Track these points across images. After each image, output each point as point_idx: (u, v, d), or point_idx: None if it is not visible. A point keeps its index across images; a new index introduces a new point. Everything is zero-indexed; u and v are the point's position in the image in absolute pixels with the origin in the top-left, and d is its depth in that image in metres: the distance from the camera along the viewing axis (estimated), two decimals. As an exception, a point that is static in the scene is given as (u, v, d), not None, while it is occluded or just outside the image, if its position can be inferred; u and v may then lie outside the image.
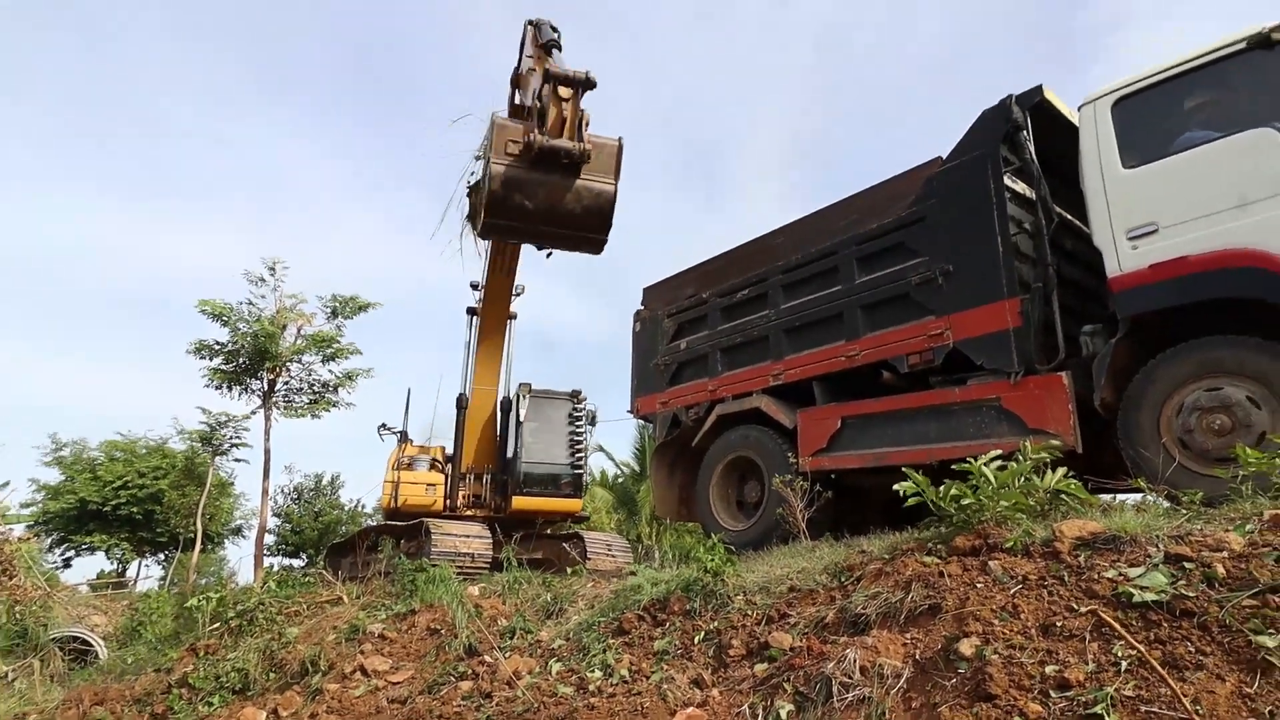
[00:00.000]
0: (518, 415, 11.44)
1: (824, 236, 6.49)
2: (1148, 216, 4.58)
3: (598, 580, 6.68)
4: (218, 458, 19.99)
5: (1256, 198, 4.18)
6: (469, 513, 11.15)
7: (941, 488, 3.94)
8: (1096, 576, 3.00)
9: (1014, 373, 4.95)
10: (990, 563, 3.38)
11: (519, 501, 11.04)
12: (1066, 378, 4.73)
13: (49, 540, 22.11)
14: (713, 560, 4.53)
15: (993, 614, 3.05)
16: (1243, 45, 4.42)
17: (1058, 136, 5.38)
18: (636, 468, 24.03)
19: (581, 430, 11.71)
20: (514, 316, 11.58)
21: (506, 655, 5.06)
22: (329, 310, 16.57)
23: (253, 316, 15.70)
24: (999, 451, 4.06)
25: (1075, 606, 2.87)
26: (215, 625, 7.82)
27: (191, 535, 20.75)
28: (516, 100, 8.46)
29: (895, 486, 4.19)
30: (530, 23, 8.00)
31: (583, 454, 11.64)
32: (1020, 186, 5.39)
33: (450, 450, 12.16)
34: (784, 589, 4.18)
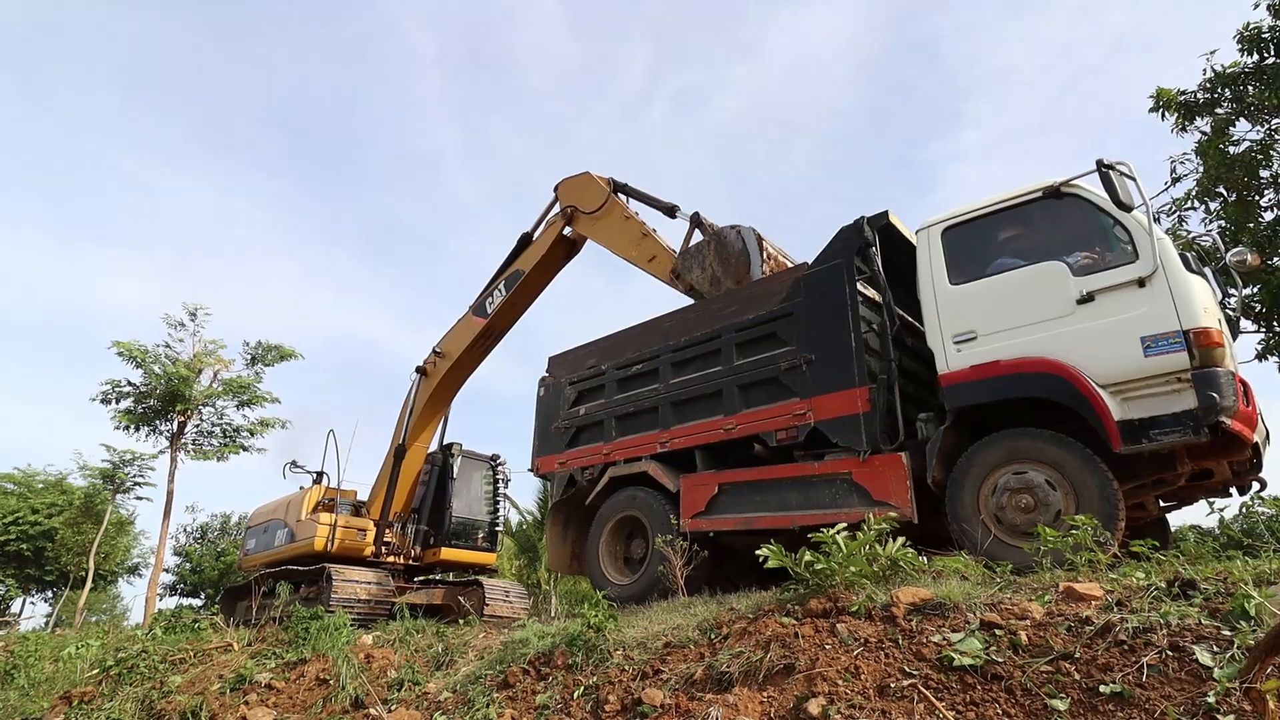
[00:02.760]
0: (450, 472, 11.17)
1: (709, 322, 6.64)
2: (969, 325, 4.93)
3: (489, 630, 6.32)
4: (119, 495, 17.98)
5: (1049, 316, 4.59)
6: (390, 559, 10.47)
7: (799, 553, 3.97)
8: (925, 640, 3.05)
9: (862, 451, 5.14)
10: (838, 625, 3.39)
11: (446, 553, 10.83)
12: (905, 457, 4.94)
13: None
14: (595, 615, 4.35)
15: (838, 674, 3.04)
16: (1039, 194, 4.92)
17: (900, 252, 5.78)
18: (539, 515, 23.36)
19: (498, 490, 11.91)
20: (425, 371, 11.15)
21: (392, 709, 4.65)
22: (249, 357, 15.49)
23: (169, 359, 14.44)
24: (845, 523, 4.15)
25: (906, 669, 2.91)
26: (95, 671, 6.87)
27: (83, 574, 18.40)
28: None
29: (758, 552, 4.20)
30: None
31: (499, 511, 11.96)
32: (870, 292, 5.72)
33: (361, 496, 11.45)
34: (660, 645, 4.04)
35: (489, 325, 9.71)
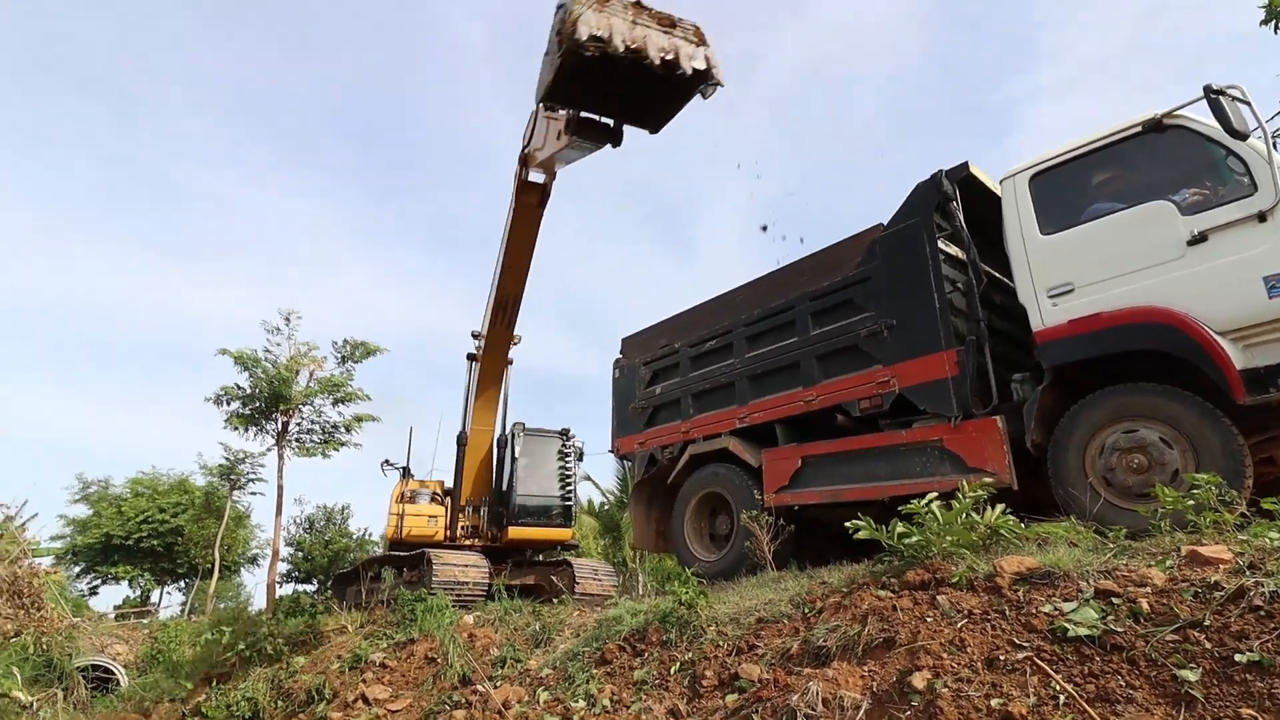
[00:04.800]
0: (513, 452, 11.33)
1: (782, 293, 6.51)
2: (1065, 277, 4.63)
3: (583, 609, 6.50)
4: (235, 492, 19.45)
5: (1155, 262, 4.25)
6: (467, 542, 10.90)
7: (890, 525, 3.87)
8: (1034, 611, 2.93)
9: (954, 416, 4.94)
10: (939, 597, 3.30)
11: (514, 532, 10.86)
12: (1000, 421, 4.72)
13: (77, 570, 21.29)
14: (686, 592, 4.40)
15: (941, 647, 2.96)
16: (1138, 129, 4.53)
17: (983, 205, 5.47)
18: (620, 495, 23.73)
19: (570, 465, 11.61)
20: (510, 363, 11.48)
21: (497, 685, 4.87)
22: (339, 356, 16.35)
23: (270, 363, 15.45)
24: (937, 492, 4.02)
25: (1016, 641, 2.80)
26: (229, 655, 7.50)
27: (210, 565, 20.08)
28: None
29: (847, 524, 4.12)
30: None
31: (571, 487, 11.52)
32: (952, 249, 5.45)
33: (449, 484, 11.94)
34: (752, 620, 4.06)
35: (500, 295, 9.72)
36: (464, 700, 4.84)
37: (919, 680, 2.81)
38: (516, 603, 6.81)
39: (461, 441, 11.18)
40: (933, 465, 4.99)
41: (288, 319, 15.93)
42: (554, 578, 10.26)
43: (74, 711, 8.02)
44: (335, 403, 16.21)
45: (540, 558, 11.65)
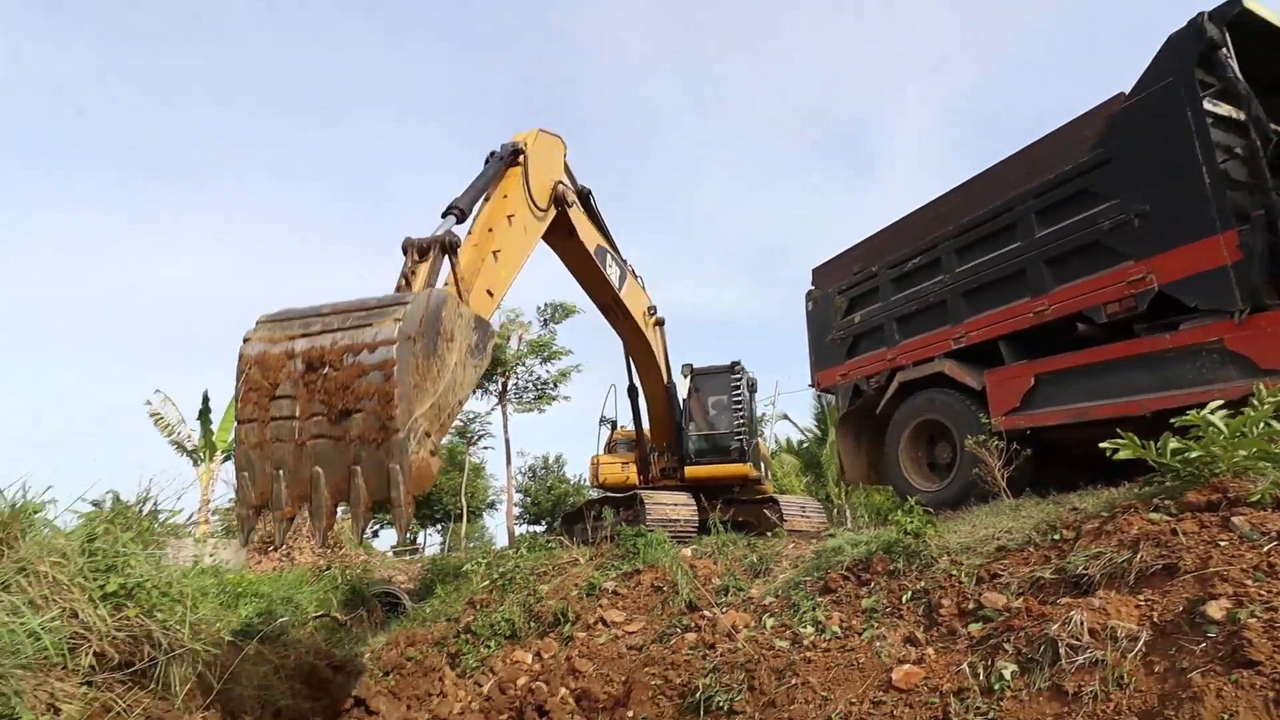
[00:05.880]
0: (684, 393, 11.47)
1: (996, 194, 5.79)
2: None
3: (798, 541, 6.52)
4: (471, 448, 22.10)
5: None
6: (664, 483, 11.35)
7: (1159, 441, 3.35)
8: (1377, 532, 2.39)
9: (1238, 311, 4.10)
10: (1234, 519, 2.81)
11: (691, 470, 10.98)
12: (1306, 311, 3.84)
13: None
14: (912, 522, 4.21)
15: (1243, 574, 2.54)
16: None
17: (1265, 49, 4.37)
18: (819, 433, 23.25)
19: (742, 397, 11.32)
20: (661, 322, 11.36)
21: (723, 610, 5.07)
22: (543, 319, 17.65)
23: (485, 330, 17.13)
24: (1219, 401, 3.38)
25: (1354, 566, 2.31)
26: (486, 583, 8.61)
27: (459, 511, 23.16)
28: None
29: (1103, 445, 3.64)
30: None
31: (743, 420, 11.17)
32: (1224, 109, 4.44)
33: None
34: (991, 549, 3.78)
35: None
36: (693, 624, 5.11)
37: (1215, 610, 2.44)
38: (732, 536, 7.01)
39: (632, 394, 11.56)
40: (1210, 370, 4.21)
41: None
42: (766, 512, 10.37)
43: (375, 628, 9.76)
44: (543, 361, 17.63)
45: (743, 495, 11.80)
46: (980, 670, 2.95)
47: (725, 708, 3.64)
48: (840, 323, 7.27)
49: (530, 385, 18.07)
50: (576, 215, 7.28)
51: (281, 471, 3.44)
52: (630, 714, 4.23)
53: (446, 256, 4.53)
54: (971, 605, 3.44)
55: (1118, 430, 3.62)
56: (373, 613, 10.53)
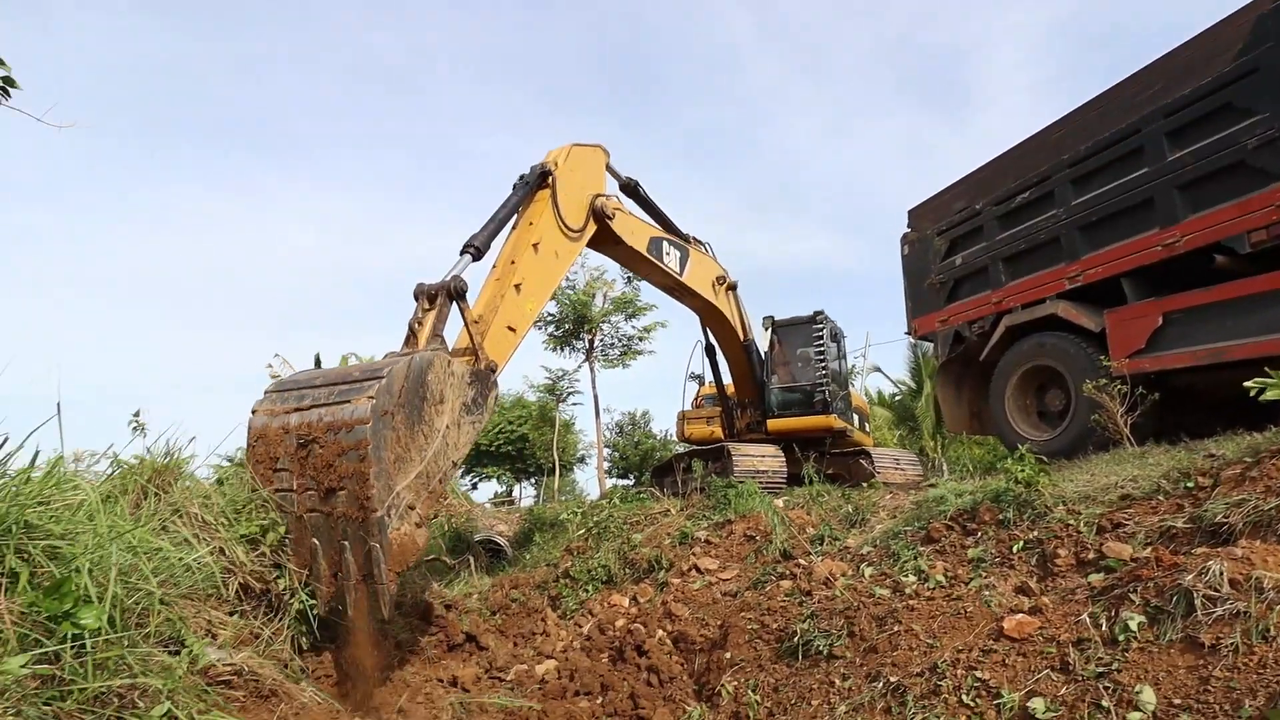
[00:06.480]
0: (758, 345, 11.26)
1: (1118, 118, 5.26)
2: None
3: (895, 492, 6.35)
4: (560, 404, 22.76)
5: None
6: (750, 437, 11.29)
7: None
8: None
9: None
10: None
11: (774, 424, 10.80)
12: None
13: (458, 472, 27.24)
14: (1024, 470, 3.99)
15: None
16: None
17: None
18: (913, 385, 22.41)
19: (824, 347, 10.88)
20: (734, 286, 11.03)
21: (819, 559, 5.04)
22: (626, 276, 17.72)
23: (571, 290, 17.43)
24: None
25: None
26: (581, 532, 8.93)
27: (551, 465, 24.03)
28: None
29: (1248, 383, 3.30)
30: None
31: (826, 370, 10.78)
32: None
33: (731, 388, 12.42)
34: (1114, 498, 3.55)
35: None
36: (788, 572, 5.11)
37: (1388, 561, 2.19)
38: (826, 487, 6.92)
39: (709, 352, 11.44)
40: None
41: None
42: (862, 463, 10.16)
43: (480, 573, 10.36)
44: (628, 318, 17.78)
45: (834, 449, 11.59)
46: (1102, 621, 2.80)
47: (825, 651, 3.64)
48: (940, 266, 6.88)
49: (616, 342, 18.31)
50: (621, 223, 7.09)
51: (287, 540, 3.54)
52: (728, 656, 4.30)
53: (455, 302, 4.47)
54: (1092, 555, 3.25)
55: (1265, 370, 3.27)
56: (477, 558, 11.17)
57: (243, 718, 2.69)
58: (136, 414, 3.91)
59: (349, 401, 3.38)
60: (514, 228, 5.64)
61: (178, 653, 2.53)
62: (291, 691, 3.12)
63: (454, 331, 4.65)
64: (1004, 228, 6.18)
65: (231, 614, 3.37)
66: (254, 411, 3.74)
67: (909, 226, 7.51)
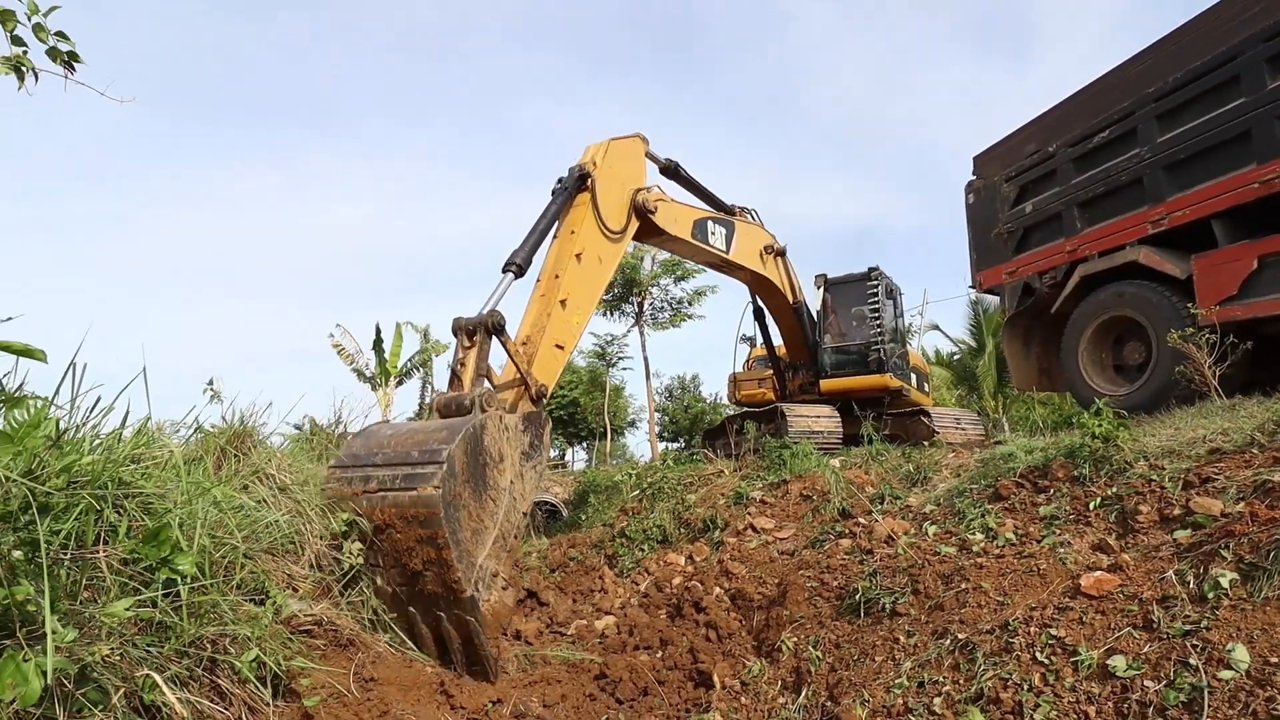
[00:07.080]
0: (808, 305, 10.97)
1: (1213, 44, 4.82)
2: None
3: (958, 451, 6.18)
4: (610, 369, 22.92)
5: None
6: (803, 398, 11.12)
7: None
8: None
9: None
10: None
11: (826, 384, 10.57)
12: None
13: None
14: (1101, 425, 3.81)
15: None
16: None
17: None
18: (973, 343, 21.68)
19: (879, 304, 10.51)
20: (783, 252, 10.67)
21: (880, 518, 4.96)
22: (673, 239, 17.58)
23: (619, 254, 17.43)
24: None
25: None
26: (635, 493, 9.03)
27: (602, 430, 24.32)
28: None
29: None
30: None
31: (880, 328, 10.45)
32: None
33: (782, 350, 12.22)
34: (1202, 452, 3.35)
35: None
36: (847, 531, 5.05)
37: None
38: (885, 446, 6.78)
39: (758, 315, 11.22)
40: None
41: (625, 214, 17.58)
42: (923, 421, 9.92)
43: (539, 533, 10.63)
44: (677, 281, 17.66)
45: (885, 404, 11.31)
46: (1190, 578, 2.66)
47: (888, 609, 3.59)
48: (1008, 214, 6.54)
49: (665, 304, 18.26)
50: (664, 214, 6.95)
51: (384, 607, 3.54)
52: (787, 613, 4.30)
53: (495, 337, 4.40)
54: (1177, 511, 3.09)
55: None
56: (534, 519, 11.46)
57: (324, 664, 2.83)
58: (210, 383, 4.08)
59: (415, 489, 3.35)
60: (555, 237, 5.59)
61: (262, 603, 2.66)
62: (368, 641, 3.26)
63: (498, 358, 4.63)
64: (1080, 170, 5.81)
65: (309, 569, 3.52)
66: (323, 489, 3.74)
67: (974, 173, 7.15)
